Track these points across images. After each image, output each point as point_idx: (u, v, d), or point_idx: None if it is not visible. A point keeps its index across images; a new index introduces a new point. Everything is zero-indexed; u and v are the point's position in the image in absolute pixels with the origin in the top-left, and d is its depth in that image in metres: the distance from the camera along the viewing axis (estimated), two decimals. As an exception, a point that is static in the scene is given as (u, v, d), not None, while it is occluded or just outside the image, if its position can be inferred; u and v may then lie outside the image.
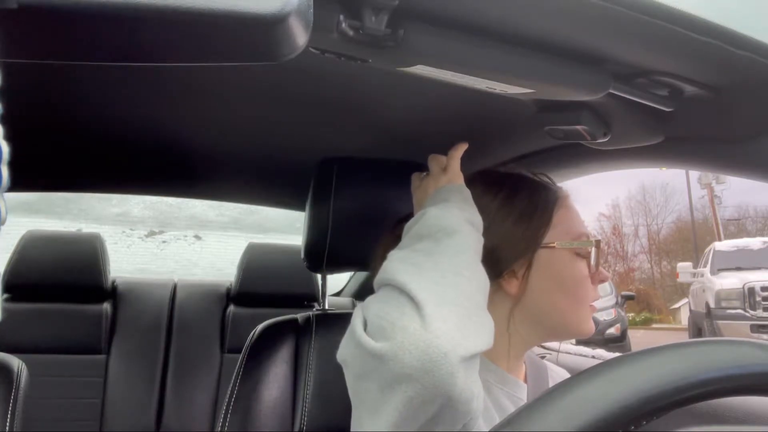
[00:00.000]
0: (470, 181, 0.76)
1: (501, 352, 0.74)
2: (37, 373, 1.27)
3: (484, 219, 0.71)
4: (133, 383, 1.74)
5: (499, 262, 0.72)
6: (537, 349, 1.55)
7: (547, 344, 1.60)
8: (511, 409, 0.72)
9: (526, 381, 0.79)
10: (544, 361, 0.88)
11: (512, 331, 0.74)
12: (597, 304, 0.76)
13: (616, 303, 9.14)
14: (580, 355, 1.46)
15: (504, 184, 0.77)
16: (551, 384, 0.81)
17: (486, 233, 0.70)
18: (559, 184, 0.82)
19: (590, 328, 0.74)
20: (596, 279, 0.75)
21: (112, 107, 1.06)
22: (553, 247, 0.73)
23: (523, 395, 0.75)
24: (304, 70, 0.84)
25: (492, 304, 0.72)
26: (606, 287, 9.96)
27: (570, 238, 0.74)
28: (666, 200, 23.50)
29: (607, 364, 0.34)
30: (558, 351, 1.52)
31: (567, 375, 0.88)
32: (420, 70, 0.60)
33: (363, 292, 2.13)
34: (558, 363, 1.45)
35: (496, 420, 0.68)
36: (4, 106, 0.25)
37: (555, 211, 0.75)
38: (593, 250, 0.74)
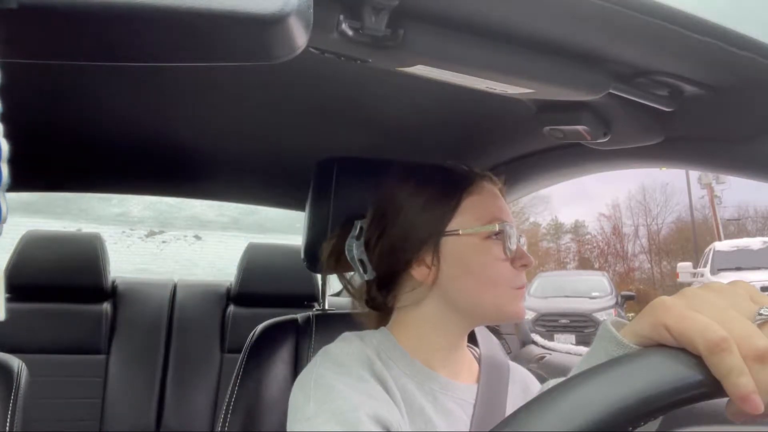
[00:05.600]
0: (386, 174, 0.78)
1: (432, 345, 0.74)
2: (37, 373, 1.27)
3: (394, 209, 0.75)
4: (133, 383, 1.74)
5: (405, 250, 0.74)
6: (537, 350, 1.55)
7: (548, 345, 1.60)
8: (458, 412, 0.72)
9: (478, 381, 0.77)
10: (512, 363, 0.86)
11: (437, 320, 0.74)
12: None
13: (616, 303, 9.10)
14: (579, 355, 1.46)
15: (415, 173, 0.78)
16: (512, 387, 0.80)
17: (396, 222, 0.74)
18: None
19: (515, 311, 0.73)
20: (517, 262, 0.74)
21: (112, 107, 1.06)
22: (458, 233, 0.73)
23: (466, 396, 0.74)
24: (304, 70, 0.84)
25: (411, 295, 0.75)
26: (606, 287, 9.99)
27: (480, 223, 0.73)
28: (666, 200, 23.45)
29: (606, 365, 0.34)
30: (557, 351, 1.52)
31: (532, 378, 0.86)
32: (420, 70, 0.60)
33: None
34: (556, 363, 1.45)
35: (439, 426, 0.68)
36: (5, 106, 0.25)
37: (464, 197, 0.75)
38: (506, 234, 0.73)
